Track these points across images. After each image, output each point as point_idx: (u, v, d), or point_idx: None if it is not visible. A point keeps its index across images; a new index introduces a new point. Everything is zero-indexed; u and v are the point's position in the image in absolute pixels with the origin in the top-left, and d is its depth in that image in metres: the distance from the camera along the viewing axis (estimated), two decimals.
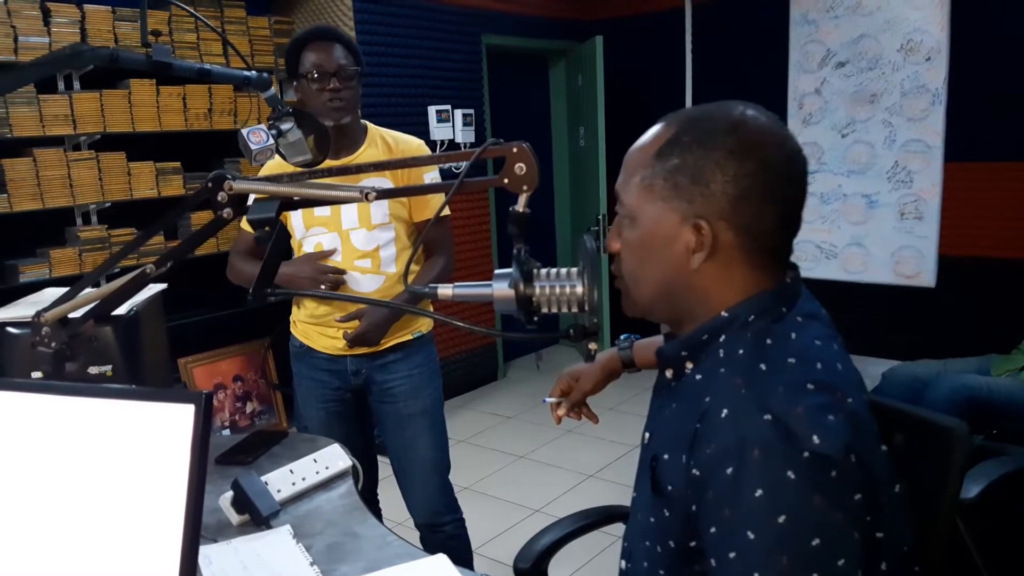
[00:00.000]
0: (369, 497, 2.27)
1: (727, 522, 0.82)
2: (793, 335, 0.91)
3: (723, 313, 0.94)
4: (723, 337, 0.93)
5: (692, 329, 0.97)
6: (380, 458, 2.31)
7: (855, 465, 0.80)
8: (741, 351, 0.91)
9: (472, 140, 4.43)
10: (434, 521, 2.18)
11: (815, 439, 0.80)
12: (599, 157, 4.78)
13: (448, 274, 2.11)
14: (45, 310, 1.29)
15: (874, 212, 4.26)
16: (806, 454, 0.79)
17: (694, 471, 0.86)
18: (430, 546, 2.15)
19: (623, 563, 1.07)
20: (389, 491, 2.31)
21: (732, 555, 0.81)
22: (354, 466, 1.64)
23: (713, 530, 0.83)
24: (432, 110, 4.24)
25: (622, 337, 1.47)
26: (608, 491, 3.35)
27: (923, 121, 4.03)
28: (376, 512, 2.24)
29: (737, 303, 0.93)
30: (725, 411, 0.85)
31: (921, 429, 1.14)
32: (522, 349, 5.42)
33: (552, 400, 1.47)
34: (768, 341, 0.90)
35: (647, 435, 1.04)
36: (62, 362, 1.31)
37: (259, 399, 3.73)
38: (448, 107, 4.31)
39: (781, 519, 0.78)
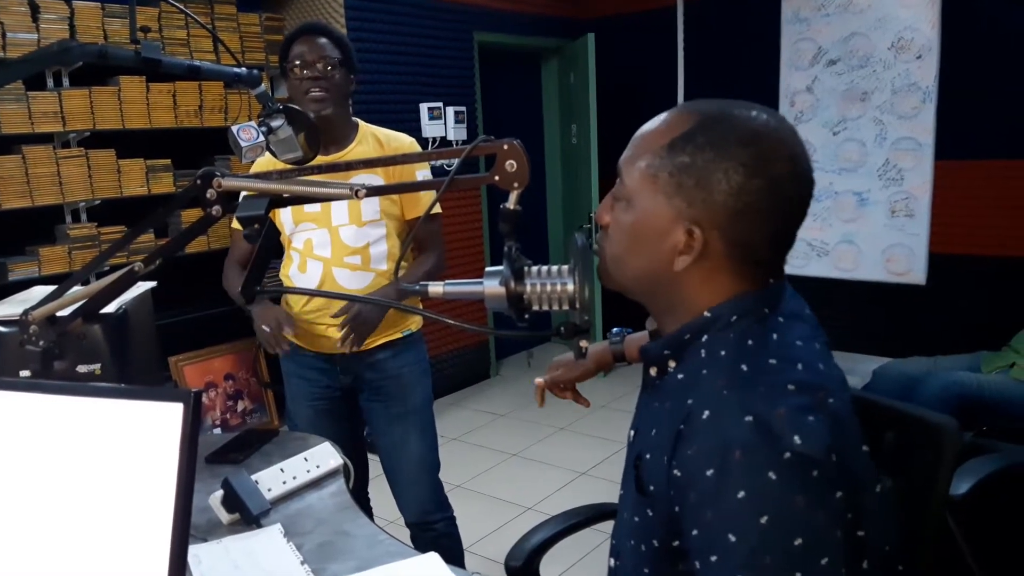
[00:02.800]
0: (360, 496, 2.26)
1: (709, 524, 0.82)
2: (775, 336, 0.91)
3: (705, 313, 0.93)
4: (705, 337, 0.93)
5: (675, 328, 0.97)
6: (370, 456, 2.31)
7: (836, 465, 0.81)
8: (723, 352, 0.90)
9: (464, 137, 4.42)
10: (424, 520, 2.18)
11: (796, 440, 0.80)
12: (591, 155, 4.78)
13: (439, 272, 2.10)
14: (33, 308, 1.28)
15: (865, 210, 4.27)
16: (788, 455, 0.79)
17: (676, 472, 0.86)
18: (421, 545, 2.14)
19: (612, 561, 1.07)
20: (380, 490, 2.31)
21: (714, 558, 0.81)
22: (345, 464, 1.63)
23: (696, 532, 0.83)
24: (424, 107, 4.23)
25: (614, 331, 1.47)
26: (600, 489, 3.35)
27: (914, 119, 4.04)
28: (367, 511, 2.23)
29: (719, 303, 0.93)
30: (707, 413, 0.85)
31: (911, 426, 1.14)
32: (514, 347, 5.42)
33: (539, 380, 1.50)
34: (750, 342, 0.90)
35: (632, 433, 1.05)
36: (50, 360, 1.30)
37: (250, 398, 3.72)
38: (440, 104, 4.30)
39: (763, 520, 0.78)
